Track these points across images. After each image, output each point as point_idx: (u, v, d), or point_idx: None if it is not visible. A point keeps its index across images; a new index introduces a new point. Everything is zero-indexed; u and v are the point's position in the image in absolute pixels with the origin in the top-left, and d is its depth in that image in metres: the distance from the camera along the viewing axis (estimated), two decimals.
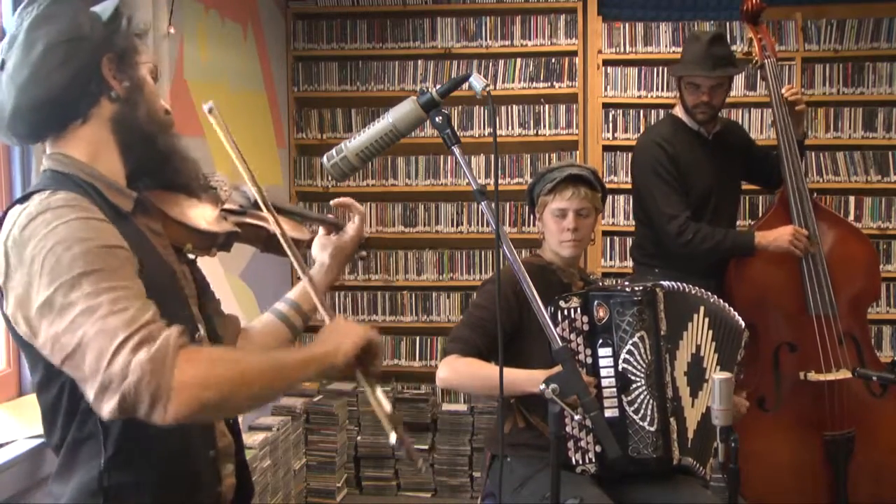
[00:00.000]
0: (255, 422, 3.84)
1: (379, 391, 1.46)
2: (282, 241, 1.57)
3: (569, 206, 2.47)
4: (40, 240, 1.23)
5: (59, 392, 1.36)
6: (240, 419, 1.61)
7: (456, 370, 2.32)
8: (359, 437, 4.30)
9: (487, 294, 2.45)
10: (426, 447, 4.23)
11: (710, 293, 2.48)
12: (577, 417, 1.53)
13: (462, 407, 4.27)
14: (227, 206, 1.67)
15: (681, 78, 3.24)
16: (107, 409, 1.16)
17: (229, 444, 1.54)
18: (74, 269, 1.20)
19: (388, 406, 1.44)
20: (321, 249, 1.83)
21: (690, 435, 2.37)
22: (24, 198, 1.32)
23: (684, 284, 2.47)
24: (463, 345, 2.35)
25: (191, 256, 1.58)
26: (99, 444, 1.34)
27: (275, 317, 1.76)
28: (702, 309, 2.43)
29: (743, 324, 2.48)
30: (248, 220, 1.69)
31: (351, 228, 1.84)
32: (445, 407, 4.31)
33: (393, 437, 1.42)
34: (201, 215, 1.56)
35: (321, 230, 1.86)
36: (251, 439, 3.60)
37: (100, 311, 1.17)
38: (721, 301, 2.49)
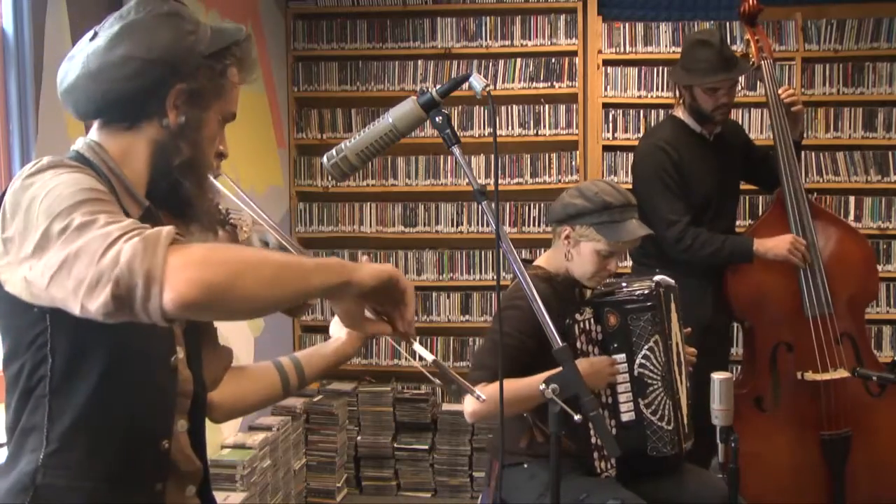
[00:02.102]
0: (256, 422, 3.84)
1: (416, 345, 1.45)
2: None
3: (620, 250, 2.38)
4: (43, 184, 1.18)
5: (18, 371, 1.31)
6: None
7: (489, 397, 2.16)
8: (359, 437, 4.30)
9: (511, 320, 2.29)
10: (426, 447, 4.24)
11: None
12: (576, 417, 1.54)
13: (462, 407, 4.26)
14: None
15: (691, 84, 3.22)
16: (99, 303, 1.05)
17: (197, 469, 1.46)
18: (73, 199, 1.14)
19: (429, 357, 1.45)
20: (339, 327, 1.67)
21: (686, 421, 2.41)
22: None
23: (671, 279, 2.48)
24: (492, 373, 2.25)
25: None
26: (42, 436, 1.29)
27: (272, 365, 1.68)
28: (672, 296, 2.45)
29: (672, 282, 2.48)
30: None
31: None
32: (445, 407, 4.32)
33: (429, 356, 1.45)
34: None
35: None
36: (251, 439, 3.60)
37: (97, 224, 1.10)
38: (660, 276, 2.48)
